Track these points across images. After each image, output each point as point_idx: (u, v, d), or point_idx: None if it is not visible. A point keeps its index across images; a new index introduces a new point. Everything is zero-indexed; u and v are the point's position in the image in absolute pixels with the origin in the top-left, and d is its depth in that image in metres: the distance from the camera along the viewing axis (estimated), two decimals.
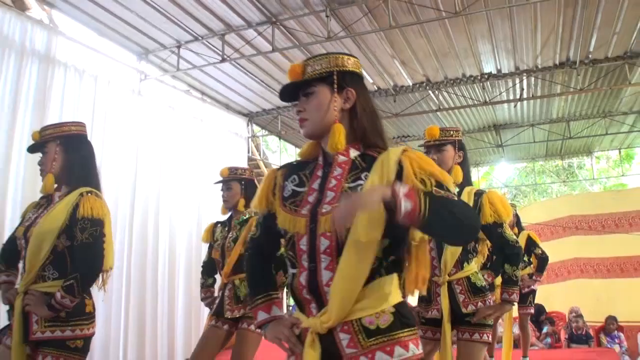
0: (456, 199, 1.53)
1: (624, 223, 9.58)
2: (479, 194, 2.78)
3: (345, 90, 1.57)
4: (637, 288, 8.91)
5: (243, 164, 8.54)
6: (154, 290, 6.46)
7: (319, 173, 1.60)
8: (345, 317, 1.44)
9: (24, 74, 5.04)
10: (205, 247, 4.07)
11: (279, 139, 10.69)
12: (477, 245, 2.91)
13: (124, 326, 6.00)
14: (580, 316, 7.57)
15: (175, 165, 6.99)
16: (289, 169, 1.68)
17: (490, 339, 2.82)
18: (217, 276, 3.84)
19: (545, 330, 7.90)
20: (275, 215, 1.61)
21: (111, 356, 5.72)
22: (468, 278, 2.77)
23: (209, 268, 3.84)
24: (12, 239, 2.64)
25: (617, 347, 7.15)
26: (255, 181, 3.77)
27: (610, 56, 7.27)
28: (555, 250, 9.96)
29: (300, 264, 1.50)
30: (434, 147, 2.90)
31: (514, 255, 2.74)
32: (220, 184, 3.72)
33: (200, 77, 7.60)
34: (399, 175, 1.46)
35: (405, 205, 1.29)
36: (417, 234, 1.55)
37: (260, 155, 10.57)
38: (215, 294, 3.76)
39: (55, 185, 2.58)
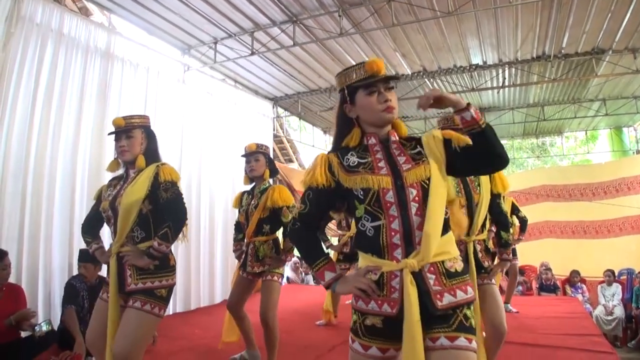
0: None
1: (587, 192, 9.52)
2: None
3: None
4: (597, 248, 8.92)
5: (270, 140, 8.62)
6: (197, 244, 6.57)
7: (377, 148, 1.62)
8: (431, 259, 1.46)
9: (88, 68, 5.05)
10: None
11: (299, 119, 10.65)
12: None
13: None
14: (549, 269, 7.59)
15: (213, 141, 7.01)
16: (339, 152, 1.66)
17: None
18: None
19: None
20: (332, 189, 1.61)
21: None
22: (484, 240, 2.87)
23: (239, 227, 3.80)
24: (92, 215, 2.68)
25: (580, 296, 7.17)
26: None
27: (579, 52, 7.08)
28: (529, 213, 9.87)
29: (389, 214, 1.49)
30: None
31: (507, 225, 2.92)
32: (247, 157, 3.63)
33: (234, 68, 7.55)
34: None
35: (473, 111, 1.46)
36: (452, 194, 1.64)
37: (283, 132, 10.60)
38: (244, 248, 3.73)
39: (122, 166, 2.64)
